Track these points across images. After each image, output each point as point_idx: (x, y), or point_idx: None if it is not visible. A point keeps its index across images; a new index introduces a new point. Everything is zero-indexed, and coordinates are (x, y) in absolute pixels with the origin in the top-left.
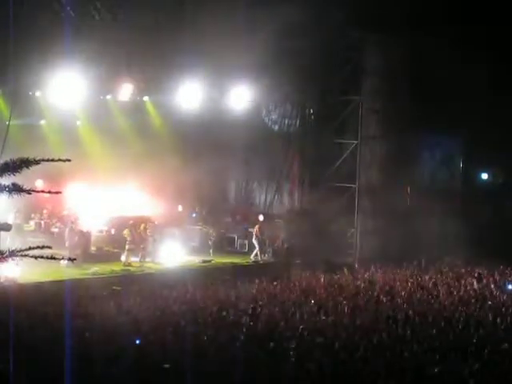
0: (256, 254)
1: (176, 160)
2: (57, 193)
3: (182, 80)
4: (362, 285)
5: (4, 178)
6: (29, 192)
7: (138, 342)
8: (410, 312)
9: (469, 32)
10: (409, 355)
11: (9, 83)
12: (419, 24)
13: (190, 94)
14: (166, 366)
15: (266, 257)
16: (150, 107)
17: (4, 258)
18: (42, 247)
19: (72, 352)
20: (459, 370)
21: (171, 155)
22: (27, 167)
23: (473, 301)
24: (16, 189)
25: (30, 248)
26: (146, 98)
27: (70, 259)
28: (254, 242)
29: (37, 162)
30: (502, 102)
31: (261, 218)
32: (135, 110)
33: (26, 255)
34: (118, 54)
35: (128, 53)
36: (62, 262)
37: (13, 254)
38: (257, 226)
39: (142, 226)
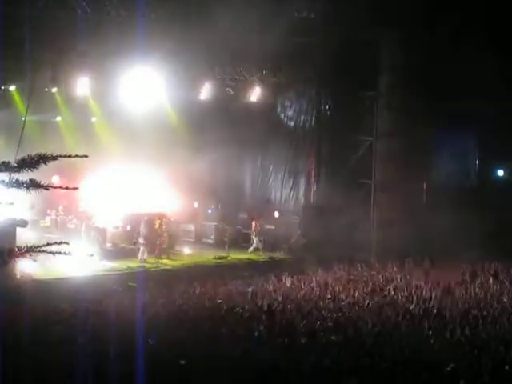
0: (255, 248)
1: (192, 156)
2: (74, 189)
3: (196, 75)
4: (379, 281)
5: (21, 174)
6: (46, 188)
7: (153, 338)
8: (427, 308)
9: (486, 29)
10: (426, 351)
11: (25, 79)
12: (437, 21)
13: (204, 90)
14: (182, 362)
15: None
16: (165, 103)
17: (22, 253)
18: (60, 243)
19: (87, 349)
20: (475, 366)
21: (187, 152)
22: (45, 163)
23: (488, 297)
24: (34, 184)
25: (47, 244)
26: (161, 95)
27: (87, 255)
28: (253, 237)
29: (54, 158)
30: None
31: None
32: (150, 105)
33: (43, 251)
34: (132, 50)
35: (144, 48)
36: (78, 258)
37: (31, 249)
38: (254, 222)
39: (158, 222)
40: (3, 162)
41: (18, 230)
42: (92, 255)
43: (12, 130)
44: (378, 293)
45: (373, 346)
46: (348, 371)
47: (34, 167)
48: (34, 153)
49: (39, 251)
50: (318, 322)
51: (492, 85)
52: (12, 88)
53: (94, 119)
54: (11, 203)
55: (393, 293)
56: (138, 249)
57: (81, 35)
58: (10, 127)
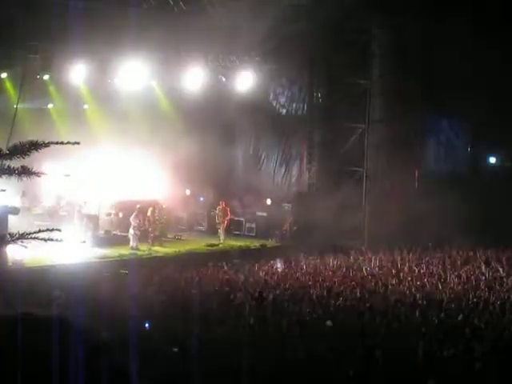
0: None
1: (183, 144)
2: (66, 176)
3: (188, 62)
4: (370, 268)
5: (13, 161)
6: (38, 175)
7: (146, 325)
8: (418, 295)
9: (479, 15)
10: (418, 338)
11: (16, 67)
12: (429, 6)
13: (196, 77)
14: (175, 349)
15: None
16: (157, 90)
17: (14, 240)
18: (52, 230)
19: (80, 337)
20: (469, 353)
21: (178, 139)
22: (37, 150)
23: (481, 284)
24: (25, 171)
25: (39, 231)
26: (152, 82)
27: (79, 242)
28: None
29: (46, 145)
30: (511, 86)
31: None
32: (142, 92)
33: (35, 238)
34: (125, 38)
35: (136, 36)
36: (70, 245)
37: (22, 236)
38: (218, 207)
39: (150, 209)
40: None
41: (10, 217)
42: (84, 242)
43: (4, 117)
44: (370, 280)
45: (363, 333)
46: (339, 359)
47: (26, 154)
48: (25, 140)
49: (31, 238)
50: (308, 310)
51: (484, 71)
52: (3, 75)
53: (85, 106)
54: (3, 190)
55: (384, 279)
56: (131, 236)
57: (73, 23)
58: (1, 115)
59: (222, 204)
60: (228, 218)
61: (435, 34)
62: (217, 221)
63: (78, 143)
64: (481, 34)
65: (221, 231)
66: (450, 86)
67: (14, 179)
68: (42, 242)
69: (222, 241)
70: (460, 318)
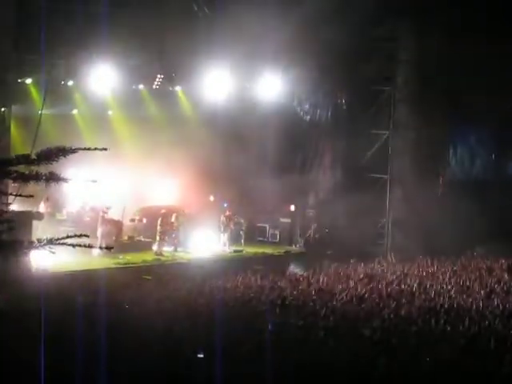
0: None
1: (207, 149)
2: (93, 181)
3: (212, 69)
4: (395, 276)
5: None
6: (66, 180)
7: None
8: (443, 303)
9: (502, 20)
10: (442, 347)
11: (41, 72)
12: (454, 13)
13: (220, 83)
14: (201, 355)
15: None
16: (181, 96)
17: (42, 246)
18: (80, 236)
19: (103, 341)
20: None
21: (202, 145)
22: (64, 156)
23: (503, 293)
24: (53, 177)
25: (67, 236)
26: (177, 88)
27: (105, 248)
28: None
29: (73, 151)
30: None
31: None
32: (166, 99)
33: (63, 244)
34: (150, 43)
35: (160, 41)
36: (94, 251)
37: (51, 242)
38: (223, 215)
39: (174, 215)
40: (23, 155)
41: (34, 222)
42: (112, 248)
43: (28, 123)
44: (394, 287)
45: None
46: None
47: (54, 160)
48: (49, 146)
49: (59, 244)
50: (331, 318)
51: (510, 77)
52: (28, 81)
53: (109, 112)
54: (30, 196)
55: (408, 287)
56: (155, 242)
57: (96, 28)
58: (26, 120)
59: (227, 212)
60: (232, 226)
61: (461, 40)
62: (221, 229)
63: (106, 149)
64: (506, 40)
65: (225, 239)
66: (475, 93)
67: (40, 185)
68: (70, 247)
69: (228, 248)
70: (483, 326)
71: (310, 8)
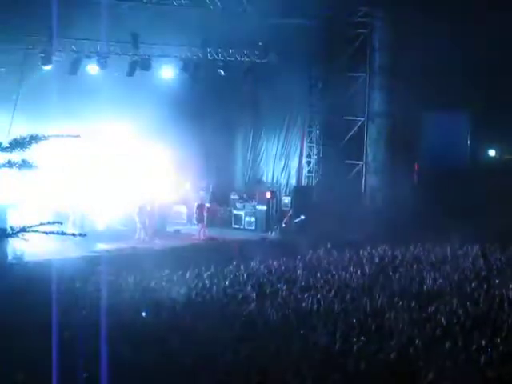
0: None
1: (183, 137)
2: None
3: (190, 56)
4: (371, 262)
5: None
6: (37, 168)
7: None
8: (418, 287)
9: (477, 8)
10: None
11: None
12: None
13: (198, 71)
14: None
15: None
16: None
17: (15, 234)
18: (53, 223)
19: (81, 329)
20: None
21: (179, 132)
22: (36, 143)
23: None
24: (25, 165)
25: (40, 224)
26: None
27: (79, 235)
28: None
29: (46, 138)
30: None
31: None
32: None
33: (36, 231)
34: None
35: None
36: (70, 239)
37: (23, 230)
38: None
39: (149, 204)
40: None
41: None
42: (85, 235)
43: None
44: (370, 273)
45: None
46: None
47: (26, 147)
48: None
49: (32, 231)
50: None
51: (485, 64)
52: (2, 69)
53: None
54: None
55: (384, 272)
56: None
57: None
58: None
59: (199, 201)
60: (205, 215)
61: (435, 26)
62: (195, 221)
63: (78, 136)
64: (482, 26)
65: (200, 228)
66: (449, 79)
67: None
68: (43, 235)
69: (203, 237)
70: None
71: None
